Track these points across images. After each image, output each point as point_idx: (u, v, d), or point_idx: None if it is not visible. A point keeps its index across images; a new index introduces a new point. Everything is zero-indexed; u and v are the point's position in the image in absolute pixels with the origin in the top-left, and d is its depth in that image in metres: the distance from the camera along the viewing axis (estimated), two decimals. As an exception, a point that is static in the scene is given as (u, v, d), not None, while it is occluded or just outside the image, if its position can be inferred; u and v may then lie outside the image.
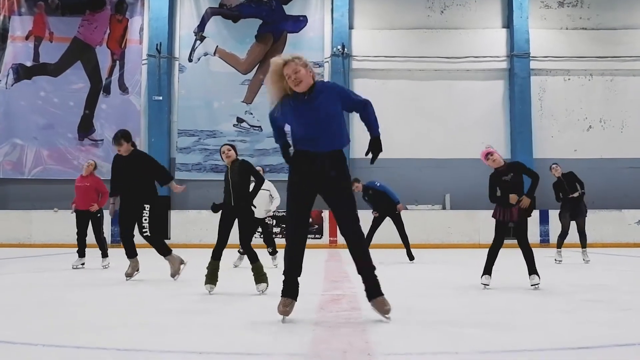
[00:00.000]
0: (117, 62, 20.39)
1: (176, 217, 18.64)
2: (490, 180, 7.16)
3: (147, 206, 8.24)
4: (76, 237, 10.44)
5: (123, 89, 20.27)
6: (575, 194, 11.42)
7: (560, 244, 11.52)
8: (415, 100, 19.57)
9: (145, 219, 8.36)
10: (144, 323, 4.82)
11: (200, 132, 20.07)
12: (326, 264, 11.79)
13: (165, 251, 8.05)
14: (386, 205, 11.80)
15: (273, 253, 10.35)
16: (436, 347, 3.85)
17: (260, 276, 6.72)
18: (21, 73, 20.31)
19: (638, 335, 4.29)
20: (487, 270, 7.02)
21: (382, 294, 4.68)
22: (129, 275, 8.04)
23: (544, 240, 17.78)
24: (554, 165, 11.77)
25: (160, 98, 19.89)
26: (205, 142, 20.00)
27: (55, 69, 20.34)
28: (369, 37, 20.42)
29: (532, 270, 6.83)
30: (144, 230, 8.21)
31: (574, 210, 11.48)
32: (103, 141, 19.92)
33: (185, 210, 18.95)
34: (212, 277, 6.73)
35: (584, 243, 11.47)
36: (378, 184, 11.99)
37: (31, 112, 20.08)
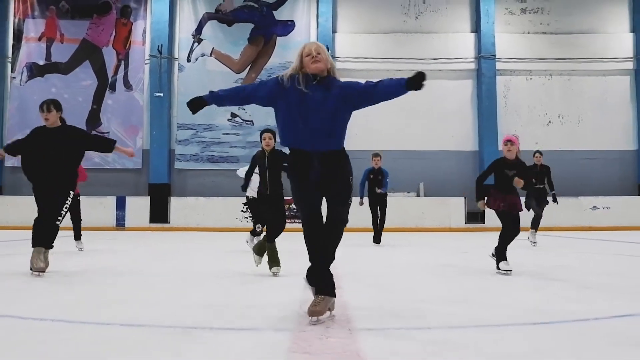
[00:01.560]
0: (122, 61, 20.50)
1: (175, 203, 18.81)
2: (492, 165, 6.84)
3: (71, 193, 6.76)
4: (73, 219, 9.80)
5: (127, 86, 20.44)
6: (548, 197, 11.77)
7: (534, 225, 11.52)
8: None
9: (66, 207, 6.67)
10: (142, 300, 4.86)
11: (197, 125, 20.23)
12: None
13: (46, 243, 6.52)
14: (381, 193, 11.79)
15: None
16: (411, 322, 3.90)
17: (275, 258, 6.57)
18: (34, 71, 20.45)
19: (597, 311, 4.33)
20: (503, 256, 6.62)
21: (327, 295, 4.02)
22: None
23: None
24: (537, 154, 11.93)
25: (161, 95, 20.13)
26: (202, 135, 20.25)
27: (66, 68, 20.48)
28: (350, 40, 20.63)
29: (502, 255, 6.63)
30: (58, 219, 6.58)
31: (538, 198, 11.57)
32: (109, 133, 19.87)
33: (184, 197, 19.24)
34: (274, 259, 6.54)
35: (536, 226, 11.54)
36: (388, 179, 11.96)
37: None
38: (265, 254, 6.65)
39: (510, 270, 6.53)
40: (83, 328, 3.70)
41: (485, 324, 3.87)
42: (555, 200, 12.09)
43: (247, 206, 11.25)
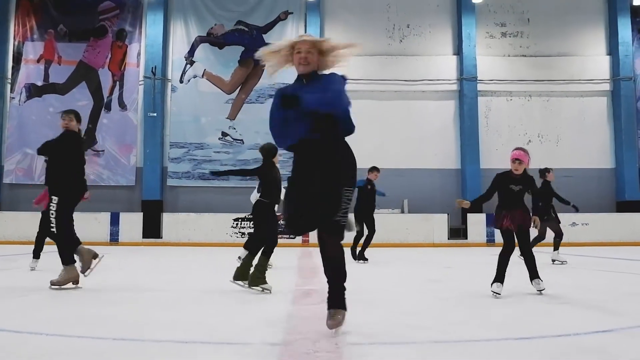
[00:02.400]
0: (117, 82, 20.61)
1: (167, 219, 18.80)
2: (495, 180, 6.36)
3: (55, 199, 6.62)
4: (38, 236, 9.12)
5: (122, 106, 20.56)
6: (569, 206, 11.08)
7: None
8: (378, 117, 19.89)
9: (52, 213, 6.62)
10: (137, 315, 4.84)
11: (189, 144, 20.35)
12: (299, 261, 11.83)
13: (63, 259, 6.59)
14: (369, 207, 11.41)
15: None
16: (397, 337, 3.91)
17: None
18: (33, 91, 20.54)
19: (576, 326, 4.34)
20: (499, 277, 6.14)
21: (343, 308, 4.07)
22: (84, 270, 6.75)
23: (490, 240, 18.13)
24: (549, 172, 11.08)
25: (155, 114, 20.21)
26: (193, 153, 20.32)
27: (63, 88, 20.57)
28: None
29: (535, 274, 6.24)
30: (51, 226, 6.67)
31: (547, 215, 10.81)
32: (104, 152, 20.07)
33: (175, 213, 19.27)
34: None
35: (557, 244, 10.95)
36: (382, 191, 11.75)
37: (41, 125, 20.08)
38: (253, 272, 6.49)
39: (499, 294, 6.06)
40: (78, 342, 3.73)
41: (470, 339, 3.87)
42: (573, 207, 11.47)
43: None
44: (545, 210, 10.67)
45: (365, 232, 11.55)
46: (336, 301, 4.04)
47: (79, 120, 6.87)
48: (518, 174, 6.28)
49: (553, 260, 10.81)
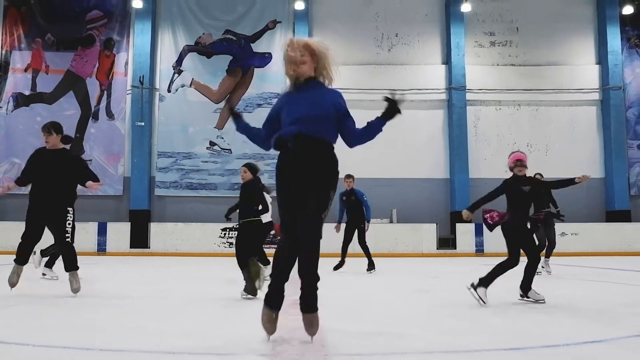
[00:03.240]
0: (105, 92, 20.56)
1: (155, 229, 18.69)
2: (502, 186, 6.27)
3: (70, 210, 7.03)
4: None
5: (110, 115, 20.50)
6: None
7: (548, 255, 10.75)
8: None
9: (69, 223, 6.95)
10: (125, 325, 4.81)
11: (177, 154, 20.30)
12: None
13: (73, 265, 6.84)
14: (358, 216, 11.20)
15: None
16: (385, 348, 3.87)
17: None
18: (20, 101, 20.46)
19: (566, 336, 4.34)
20: (485, 282, 6.05)
21: (315, 310, 4.03)
22: (13, 284, 6.80)
23: (479, 250, 18.29)
24: (538, 176, 10.74)
25: (143, 124, 20.14)
26: (181, 163, 20.28)
27: (50, 98, 20.49)
28: None
29: (528, 285, 6.16)
30: (66, 236, 6.89)
31: (546, 221, 10.74)
32: (92, 161, 19.67)
33: (163, 223, 19.19)
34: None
35: (549, 252, 10.83)
36: (365, 197, 11.39)
37: (28, 134, 19.82)
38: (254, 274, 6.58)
39: (485, 302, 5.99)
40: (64, 353, 3.68)
41: (457, 350, 3.84)
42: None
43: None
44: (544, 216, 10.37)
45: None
46: (312, 304, 3.98)
47: (58, 132, 6.95)
48: (523, 176, 6.23)
49: (542, 267, 10.61)
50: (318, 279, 4.01)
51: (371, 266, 11.26)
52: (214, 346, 3.89)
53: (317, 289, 4.00)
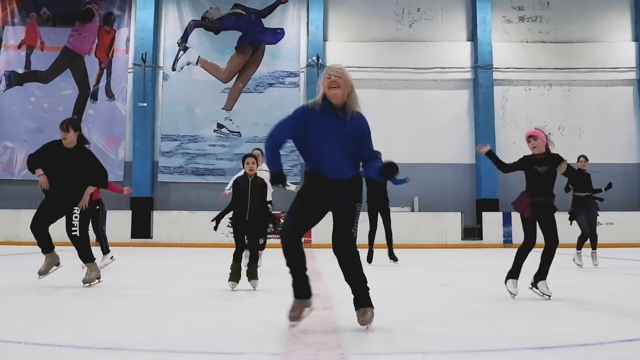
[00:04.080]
0: (105, 70, 20.55)
1: (158, 217, 18.65)
2: (520, 160, 6.32)
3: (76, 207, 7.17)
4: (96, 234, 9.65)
5: (110, 95, 20.44)
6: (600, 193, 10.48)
7: (580, 245, 10.25)
8: (385, 108, 19.44)
9: (76, 217, 7.18)
10: (125, 322, 4.73)
11: (182, 137, 20.24)
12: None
13: (88, 256, 7.15)
14: (380, 199, 10.99)
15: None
16: (404, 346, 3.80)
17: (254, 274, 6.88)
18: (13, 79, 20.41)
19: (600, 335, 4.21)
20: (513, 274, 6.04)
21: (369, 306, 4.36)
22: (43, 272, 7.11)
23: (507, 241, 17.90)
24: (582, 159, 10.72)
25: (145, 105, 20.03)
26: (187, 147, 20.20)
27: (46, 76, 20.47)
28: (342, 48, 20.66)
29: (542, 275, 5.94)
30: (73, 229, 7.12)
31: (586, 207, 10.23)
32: (90, 144, 19.51)
33: (167, 211, 19.10)
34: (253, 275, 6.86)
35: (594, 244, 10.24)
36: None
37: (22, 116, 20.17)
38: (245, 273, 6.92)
39: (515, 295, 5.97)
40: (59, 352, 3.62)
41: (483, 349, 3.76)
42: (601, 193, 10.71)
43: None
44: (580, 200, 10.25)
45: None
46: (363, 301, 4.37)
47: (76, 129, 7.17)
48: (540, 154, 6.12)
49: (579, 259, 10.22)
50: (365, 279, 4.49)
51: (392, 257, 11.18)
52: (222, 345, 3.82)
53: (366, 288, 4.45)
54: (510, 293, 5.96)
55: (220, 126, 20.23)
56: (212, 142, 20.20)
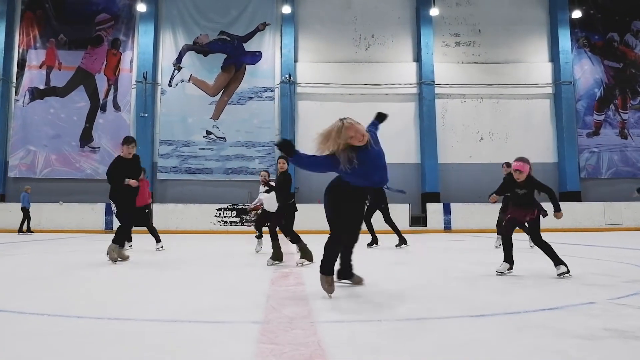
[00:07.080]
0: (112, 86, 20.81)
1: (157, 209, 18.71)
2: (505, 182, 6.38)
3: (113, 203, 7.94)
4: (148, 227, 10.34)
5: (116, 107, 20.75)
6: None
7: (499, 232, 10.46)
8: None
9: (114, 209, 7.93)
10: (130, 296, 4.75)
11: (177, 141, 20.56)
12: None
13: (115, 239, 7.65)
14: (377, 196, 10.90)
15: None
16: (367, 315, 3.84)
17: (306, 253, 7.25)
18: (35, 94, 20.75)
19: (523, 304, 4.19)
20: (507, 258, 6.21)
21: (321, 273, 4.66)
22: (116, 259, 7.58)
23: (447, 227, 18.68)
24: (504, 165, 10.85)
25: (146, 115, 20.44)
26: (181, 150, 20.50)
27: (63, 91, 20.82)
28: (310, 68, 21.10)
29: (557, 261, 5.92)
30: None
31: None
32: (99, 148, 20.13)
33: (165, 204, 19.44)
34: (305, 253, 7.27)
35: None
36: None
37: (43, 124, 20.40)
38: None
39: (500, 273, 6.12)
40: (77, 322, 3.62)
41: (436, 316, 3.80)
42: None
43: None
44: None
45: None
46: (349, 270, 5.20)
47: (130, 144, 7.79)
48: (522, 181, 6.14)
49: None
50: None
51: (402, 241, 11.08)
52: (209, 315, 3.86)
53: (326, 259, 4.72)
54: (498, 272, 6.14)
55: (208, 133, 20.65)
56: (202, 146, 20.58)
